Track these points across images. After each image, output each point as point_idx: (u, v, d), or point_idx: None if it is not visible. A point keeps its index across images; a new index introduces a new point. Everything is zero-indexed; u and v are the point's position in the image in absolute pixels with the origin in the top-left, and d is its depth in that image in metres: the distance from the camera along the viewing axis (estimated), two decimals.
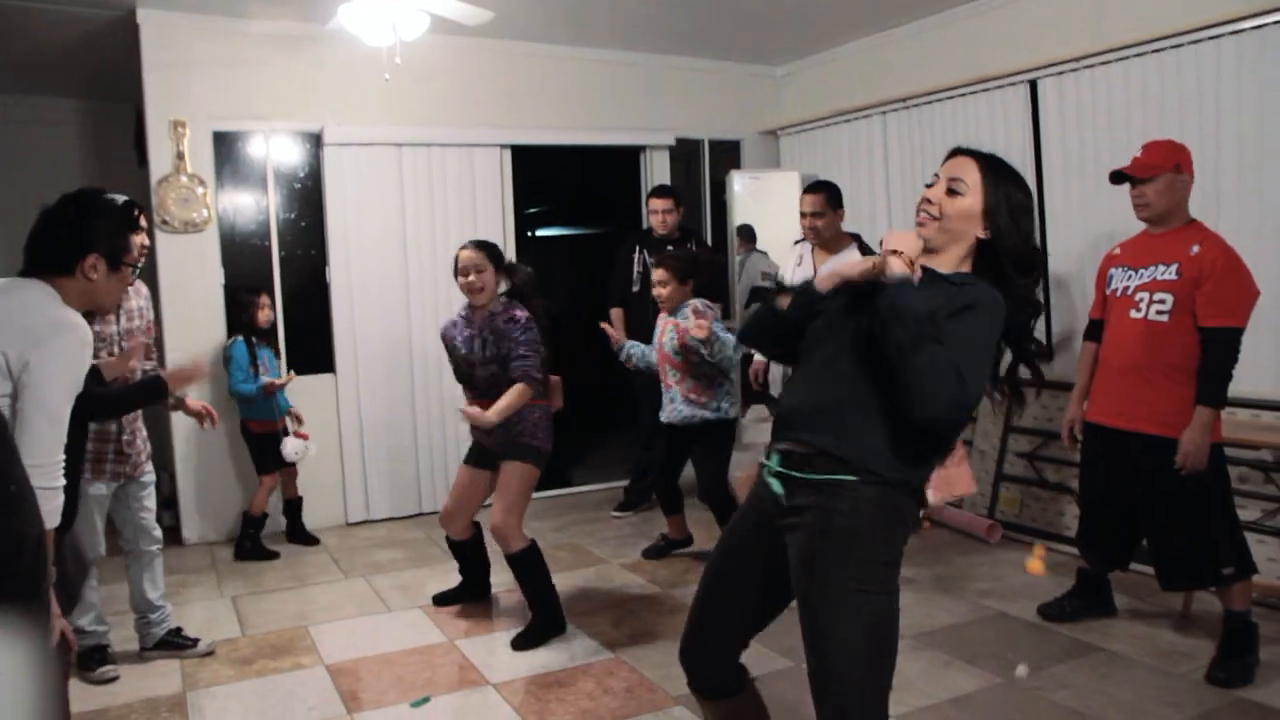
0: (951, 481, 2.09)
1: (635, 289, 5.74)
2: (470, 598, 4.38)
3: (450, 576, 4.65)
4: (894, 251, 2.01)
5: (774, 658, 3.65)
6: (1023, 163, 5.10)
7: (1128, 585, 4.10)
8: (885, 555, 2.04)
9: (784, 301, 2.22)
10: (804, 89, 6.82)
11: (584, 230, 10.13)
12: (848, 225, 5.64)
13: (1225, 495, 3.51)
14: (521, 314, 3.94)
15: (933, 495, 2.07)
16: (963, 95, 5.45)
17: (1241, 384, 3.89)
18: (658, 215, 5.69)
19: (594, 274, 9.20)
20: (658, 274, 4.50)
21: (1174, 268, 3.42)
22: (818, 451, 2.06)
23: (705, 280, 4.67)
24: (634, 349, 4.61)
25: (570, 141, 6.31)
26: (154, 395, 3.30)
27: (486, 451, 4.07)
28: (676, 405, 4.54)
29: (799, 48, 6.51)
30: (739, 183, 6.43)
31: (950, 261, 2.15)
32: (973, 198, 2.12)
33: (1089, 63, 4.72)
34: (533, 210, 9.84)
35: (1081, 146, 4.80)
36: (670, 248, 5.68)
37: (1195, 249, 3.39)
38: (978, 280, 2.09)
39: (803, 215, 4.77)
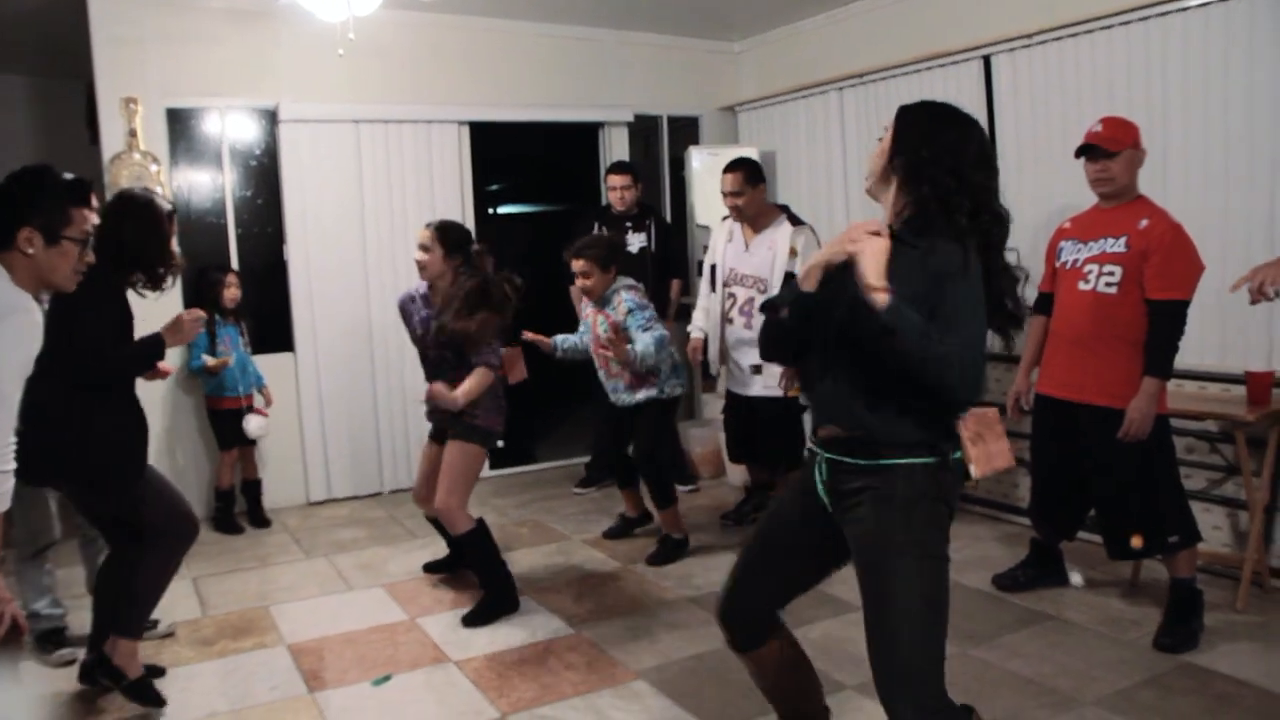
0: (992, 456, 2.18)
1: None
2: (459, 566, 4.40)
3: (414, 555, 4.68)
4: (856, 247, 2.02)
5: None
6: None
7: (1079, 555, 4.18)
8: (936, 527, 2.16)
9: (784, 312, 2.26)
10: (762, 65, 6.83)
11: (544, 207, 10.10)
12: (806, 199, 5.67)
13: (1170, 465, 3.59)
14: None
15: (975, 470, 2.17)
16: (918, 71, 5.47)
17: (1188, 357, 3.98)
18: (616, 191, 5.69)
19: (554, 251, 9.21)
20: (578, 265, 4.40)
21: (1122, 240, 3.49)
22: (856, 439, 2.16)
23: (623, 262, 4.67)
24: (565, 342, 4.57)
25: (529, 118, 6.28)
26: (157, 352, 3.35)
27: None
28: (620, 394, 4.53)
29: (756, 23, 6.51)
30: (697, 159, 6.43)
31: (890, 207, 2.24)
32: (887, 139, 2.23)
33: (1041, 39, 4.76)
34: (493, 188, 9.80)
35: (1034, 122, 4.85)
36: (629, 224, 5.69)
37: (1144, 223, 3.46)
38: (935, 239, 2.12)
39: (724, 195, 4.72)
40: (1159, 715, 2.97)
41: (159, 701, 3.25)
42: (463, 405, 3.81)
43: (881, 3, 5.76)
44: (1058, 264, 3.75)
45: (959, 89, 5.24)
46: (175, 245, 3.34)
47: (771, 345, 2.37)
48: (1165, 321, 3.40)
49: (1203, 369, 4.18)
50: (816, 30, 6.29)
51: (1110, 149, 3.51)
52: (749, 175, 4.66)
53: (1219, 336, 4.17)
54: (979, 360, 2.08)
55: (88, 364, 3.09)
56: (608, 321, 4.40)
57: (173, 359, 5.24)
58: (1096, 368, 3.54)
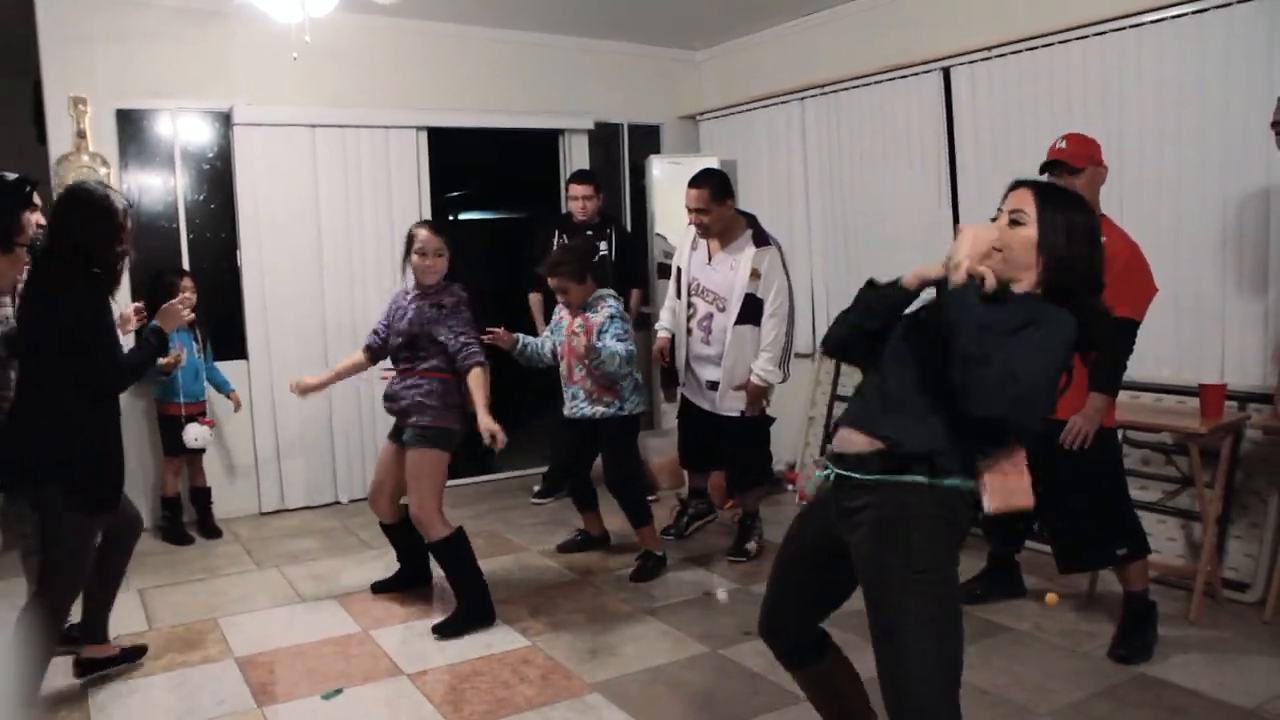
0: (1011, 491, 2.16)
1: None
2: (410, 584, 4.28)
3: (367, 566, 4.60)
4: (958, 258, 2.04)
5: (692, 642, 3.68)
6: (937, 151, 5.18)
7: (1036, 566, 4.20)
8: (938, 548, 2.11)
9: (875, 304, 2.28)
10: (723, 74, 6.83)
11: (504, 214, 10.04)
12: (767, 208, 5.64)
13: (1118, 479, 3.61)
14: (453, 298, 3.94)
15: (989, 502, 2.14)
16: (879, 82, 5.50)
17: (1145, 369, 4.02)
18: (578, 201, 5.62)
19: (514, 258, 9.17)
20: (554, 283, 4.34)
21: None
22: (872, 452, 2.13)
23: (599, 268, 4.59)
24: (527, 341, 4.48)
25: (487, 124, 6.22)
26: (162, 346, 3.46)
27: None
28: (579, 402, 4.44)
29: (718, 33, 6.51)
30: (658, 167, 6.41)
31: (1023, 289, 2.18)
32: (1031, 227, 2.15)
33: (1000, 51, 4.80)
34: (453, 194, 9.73)
35: (993, 135, 4.89)
36: (589, 233, 5.63)
37: (1101, 240, 3.47)
38: (1045, 301, 2.12)
39: (688, 210, 4.52)
40: None
41: (139, 653, 3.59)
42: (496, 428, 3.76)
43: (843, 14, 5.79)
44: None
45: (919, 100, 5.28)
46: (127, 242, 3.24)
47: (841, 321, 2.33)
48: (1116, 339, 3.41)
49: (1158, 382, 4.22)
50: (778, 40, 6.31)
51: (1075, 165, 3.52)
52: (715, 191, 4.42)
53: (1174, 350, 4.22)
54: (1028, 389, 1.98)
55: (117, 378, 3.19)
56: (585, 323, 4.29)
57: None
58: None
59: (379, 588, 4.31)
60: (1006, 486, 2.18)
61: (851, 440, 2.20)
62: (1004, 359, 1.95)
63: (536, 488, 5.91)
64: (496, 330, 4.25)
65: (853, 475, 2.17)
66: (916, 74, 5.28)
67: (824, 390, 6.06)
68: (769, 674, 3.39)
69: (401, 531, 4.18)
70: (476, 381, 3.85)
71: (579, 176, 5.74)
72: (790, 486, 5.83)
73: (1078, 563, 3.66)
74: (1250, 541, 3.97)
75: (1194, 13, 4.05)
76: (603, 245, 5.65)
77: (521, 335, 4.45)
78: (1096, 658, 3.46)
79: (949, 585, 2.11)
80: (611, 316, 4.32)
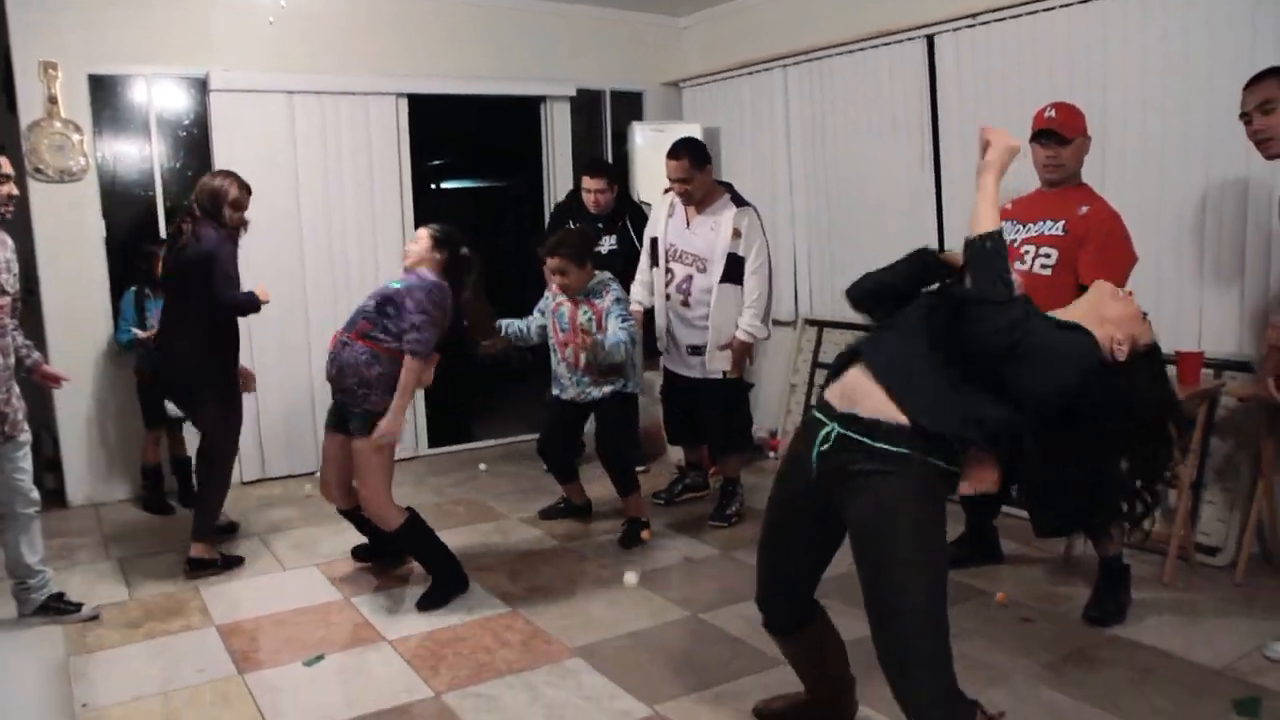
0: (982, 479, 2.29)
1: None
2: (385, 553, 4.25)
3: (347, 535, 4.57)
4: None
5: (672, 607, 3.70)
6: (920, 118, 5.17)
7: (1014, 532, 4.23)
8: (934, 521, 2.19)
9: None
10: (706, 41, 6.78)
11: (487, 183, 10.00)
12: (750, 176, 5.62)
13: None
14: (425, 282, 3.83)
15: (963, 485, 2.24)
16: (863, 49, 5.47)
17: None
18: (590, 195, 5.31)
19: (498, 226, 9.14)
20: (553, 263, 4.30)
21: (1061, 224, 3.52)
22: (898, 425, 2.15)
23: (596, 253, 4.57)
24: (510, 327, 4.49)
25: (469, 90, 6.16)
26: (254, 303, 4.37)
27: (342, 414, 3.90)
28: (583, 388, 4.43)
29: None
30: (640, 134, 6.38)
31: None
32: None
33: (984, 19, 4.77)
34: (436, 162, 9.67)
35: (976, 102, 4.87)
36: (600, 225, 5.45)
37: (1084, 209, 3.49)
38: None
39: (671, 181, 4.56)
40: (1086, 688, 3.01)
41: (236, 562, 4.30)
42: (400, 420, 3.71)
43: None
44: None
45: (903, 68, 5.25)
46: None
47: (876, 274, 2.45)
48: None
49: None
50: (761, 7, 6.26)
51: (1065, 135, 3.54)
52: (695, 159, 4.48)
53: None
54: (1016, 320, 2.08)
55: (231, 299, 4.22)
56: (593, 311, 4.32)
57: (101, 333, 5.17)
58: None
59: (359, 552, 4.31)
60: (980, 474, 2.26)
61: (876, 404, 2.19)
62: (1007, 314, 2.07)
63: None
64: (489, 345, 4.34)
65: (860, 439, 2.19)
66: (900, 41, 5.24)
67: (805, 358, 6.08)
68: (748, 638, 3.42)
69: (359, 515, 4.10)
70: (405, 369, 3.69)
71: (591, 168, 5.43)
72: (772, 454, 5.85)
73: (1053, 528, 3.69)
74: (1223, 507, 4.02)
75: None
76: (613, 239, 5.41)
77: (502, 321, 4.46)
78: (1071, 620, 3.50)
79: (943, 554, 2.19)
80: (617, 299, 4.35)
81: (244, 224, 4.34)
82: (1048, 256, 3.52)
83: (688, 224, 4.65)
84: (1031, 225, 3.61)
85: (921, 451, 2.14)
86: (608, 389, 4.42)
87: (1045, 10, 4.51)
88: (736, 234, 4.50)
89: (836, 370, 2.37)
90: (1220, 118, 3.93)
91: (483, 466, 5.93)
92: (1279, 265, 3.87)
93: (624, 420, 4.53)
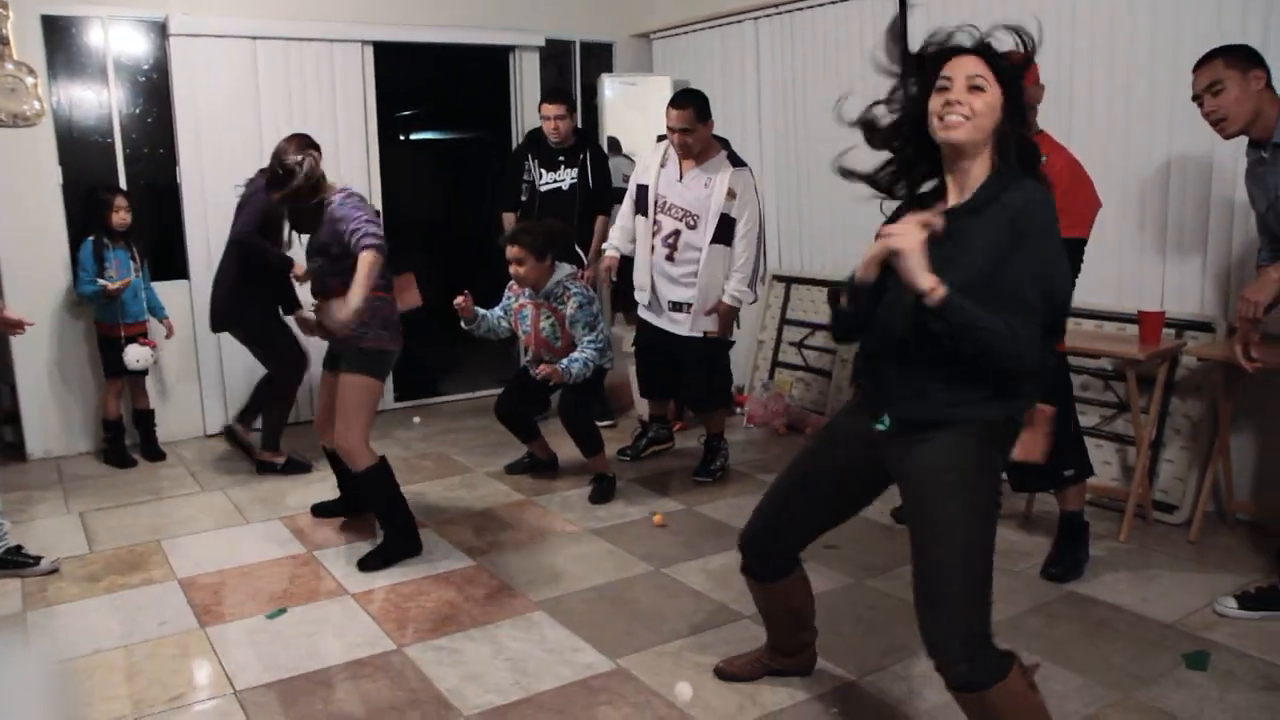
0: (1032, 446, 2.38)
1: (524, 199, 5.56)
2: (349, 511, 4.23)
3: (313, 488, 4.59)
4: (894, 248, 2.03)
5: (636, 561, 3.72)
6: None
7: None
8: (991, 475, 2.19)
9: (843, 301, 2.27)
10: None
11: (455, 134, 9.87)
12: (719, 130, 5.56)
13: (1067, 403, 3.67)
14: (340, 193, 3.70)
15: (1015, 451, 2.30)
16: (834, 3, 5.42)
17: (1086, 296, 4.05)
18: (550, 121, 5.38)
19: (465, 178, 9.05)
20: (512, 251, 4.25)
21: None
22: (925, 400, 2.17)
23: (561, 248, 4.48)
24: (485, 315, 4.44)
25: (436, 39, 6.05)
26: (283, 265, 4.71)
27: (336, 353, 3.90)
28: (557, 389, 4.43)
29: None
30: (610, 87, 6.30)
31: (981, 166, 2.16)
32: (993, 91, 2.12)
33: None
34: (405, 113, 9.54)
35: None
36: (561, 158, 5.48)
37: (1043, 159, 3.48)
38: (1006, 193, 2.10)
39: (670, 130, 4.49)
40: (1043, 641, 3.06)
41: (302, 468, 4.96)
42: (359, 305, 3.48)
43: None
44: None
45: (874, 23, 5.21)
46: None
47: (844, 331, 2.40)
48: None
49: (1100, 309, 4.28)
50: None
51: None
52: (699, 111, 4.40)
53: (1115, 276, 4.27)
54: (1031, 333, 2.06)
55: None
56: (555, 317, 4.31)
57: (60, 283, 5.07)
58: None
59: (319, 510, 4.28)
60: (1032, 439, 2.35)
61: (916, 404, 2.19)
62: (1017, 326, 2.01)
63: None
64: (465, 298, 4.23)
65: (910, 418, 2.20)
66: None
67: (773, 314, 6.08)
68: (711, 592, 3.45)
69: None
70: (362, 265, 3.51)
71: (550, 95, 5.51)
72: (739, 409, 5.87)
73: (1033, 483, 3.74)
74: (1180, 465, 4.07)
75: None
76: (574, 171, 5.48)
77: (479, 310, 4.40)
78: (1030, 576, 3.56)
79: (995, 512, 2.18)
80: (580, 305, 4.30)
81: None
82: None
83: (680, 176, 4.54)
84: None
85: (983, 407, 2.15)
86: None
87: None
88: (731, 194, 4.42)
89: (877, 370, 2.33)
90: (1186, 82, 3.93)
91: (416, 419, 5.96)
92: (1241, 228, 3.90)
93: (587, 386, 4.49)
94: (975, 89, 2.11)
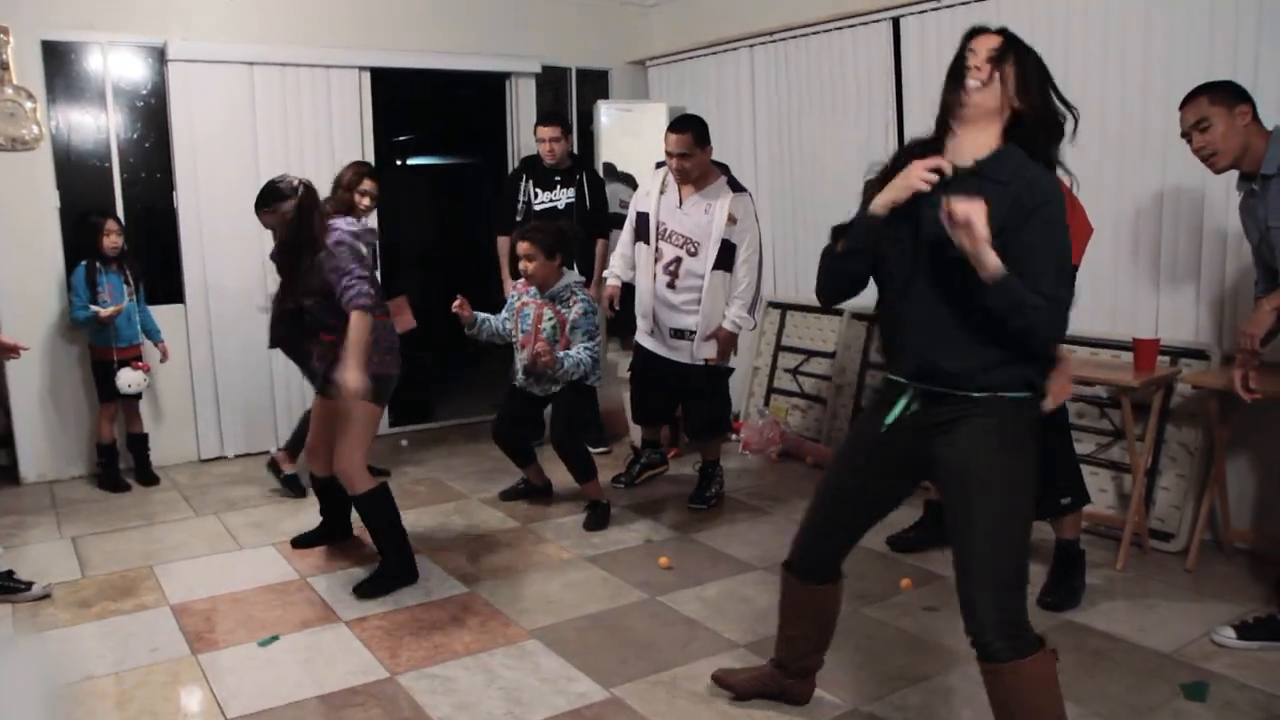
0: (1062, 390, 2.62)
1: (519, 219, 5.57)
2: (331, 539, 4.22)
3: (307, 513, 4.55)
4: (958, 219, 2.09)
5: (631, 589, 3.71)
6: (885, 101, 5.17)
7: None
8: (1025, 459, 2.28)
9: (840, 246, 2.39)
10: (673, 20, 6.74)
11: (452, 159, 9.91)
12: (715, 156, 5.59)
13: (1064, 431, 3.67)
14: (331, 238, 3.62)
15: (1049, 402, 2.46)
16: (828, 31, 5.46)
17: (1081, 323, 4.06)
18: (545, 144, 5.41)
19: (462, 203, 9.08)
20: (522, 247, 4.29)
21: None
22: (955, 372, 2.26)
23: (570, 250, 4.49)
24: (486, 322, 4.45)
25: (432, 65, 6.09)
26: None
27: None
28: (545, 382, 4.44)
29: None
30: (606, 113, 6.33)
31: (989, 137, 2.27)
32: (1010, 64, 2.25)
33: (949, 2, 4.77)
34: (401, 139, 9.58)
35: (940, 85, 4.85)
36: (558, 178, 5.51)
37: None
38: (1021, 169, 2.22)
39: (669, 155, 4.50)
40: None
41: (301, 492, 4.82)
42: (359, 374, 3.46)
43: None
44: None
45: (869, 50, 5.25)
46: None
47: (829, 278, 2.49)
48: None
49: (1094, 335, 4.29)
50: None
51: None
52: (698, 136, 4.41)
53: (1110, 304, 4.28)
54: (1067, 305, 2.20)
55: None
56: (557, 319, 4.33)
57: (54, 307, 5.07)
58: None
59: (299, 542, 4.24)
60: (1061, 386, 2.54)
61: (938, 370, 2.28)
62: (1045, 303, 2.10)
63: None
64: (461, 302, 4.23)
65: (943, 391, 2.28)
66: (866, 23, 5.24)
67: (769, 340, 6.09)
68: (706, 621, 3.43)
69: (333, 485, 4.04)
70: (353, 327, 3.49)
71: (546, 118, 5.53)
72: (734, 435, 5.86)
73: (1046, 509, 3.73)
74: (1176, 493, 4.07)
75: None
76: (570, 191, 5.51)
77: (479, 315, 4.40)
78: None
79: (1030, 497, 2.29)
80: (585, 313, 4.33)
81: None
82: None
83: (680, 203, 4.53)
84: None
85: (1002, 388, 2.24)
86: (564, 384, 4.42)
87: None
88: (732, 220, 4.42)
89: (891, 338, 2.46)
90: (1177, 115, 3.96)
91: (404, 443, 5.97)
92: (1234, 256, 3.92)
93: (580, 410, 4.51)
94: (993, 60, 2.25)
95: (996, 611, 2.20)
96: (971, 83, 2.25)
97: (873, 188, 2.37)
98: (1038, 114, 2.26)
